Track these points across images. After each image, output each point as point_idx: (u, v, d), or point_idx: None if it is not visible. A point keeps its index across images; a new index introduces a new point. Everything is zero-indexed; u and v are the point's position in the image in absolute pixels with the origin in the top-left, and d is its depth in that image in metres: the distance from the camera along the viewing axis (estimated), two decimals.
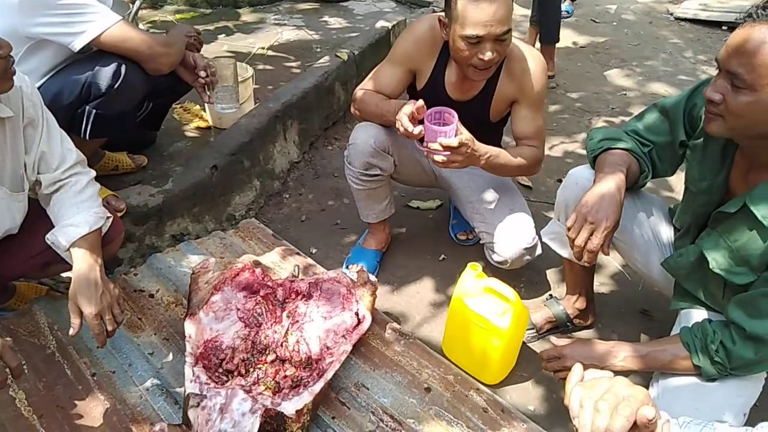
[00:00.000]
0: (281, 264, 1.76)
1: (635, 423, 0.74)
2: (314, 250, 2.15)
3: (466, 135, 1.52)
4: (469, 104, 1.77)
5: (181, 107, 2.57)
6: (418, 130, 1.50)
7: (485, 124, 1.81)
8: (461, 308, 1.56)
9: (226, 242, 1.88)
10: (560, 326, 1.80)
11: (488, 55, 1.51)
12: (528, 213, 1.84)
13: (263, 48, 3.28)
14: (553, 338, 1.43)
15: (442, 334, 1.72)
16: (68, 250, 1.29)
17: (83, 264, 1.26)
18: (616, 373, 1.06)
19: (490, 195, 1.85)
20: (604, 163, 1.36)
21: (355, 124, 1.90)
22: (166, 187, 2.00)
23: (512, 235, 1.76)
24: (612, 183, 1.28)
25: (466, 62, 1.56)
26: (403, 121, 1.51)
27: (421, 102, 1.52)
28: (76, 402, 1.30)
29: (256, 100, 2.60)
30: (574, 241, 1.25)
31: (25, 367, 1.14)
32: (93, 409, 1.29)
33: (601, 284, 2.04)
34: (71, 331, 1.23)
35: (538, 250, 1.80)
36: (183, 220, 2.07)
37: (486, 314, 1.50)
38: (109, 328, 1.25)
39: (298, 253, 1.83)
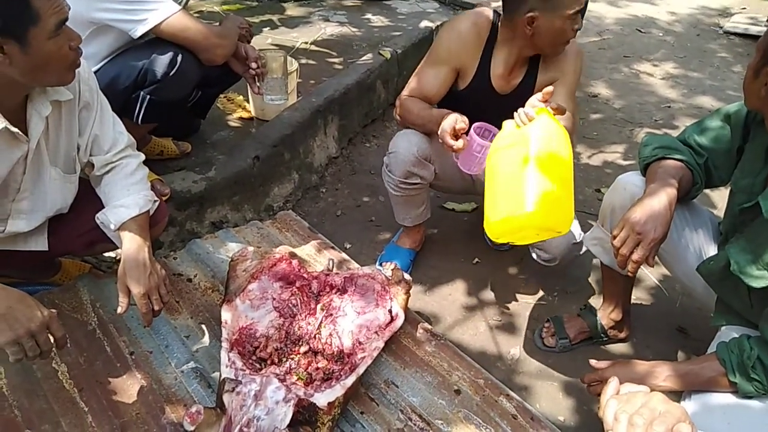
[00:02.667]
0: (316, 257, 1.78)
1: None
2: (348, 245, 2.16)
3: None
4: (512, 95, 1.77)
5: (225, 97, 2.61)
6: (460, 144, 1.54)
7: None
8: (493, 151, 1.45)
9: (263, 232, 1.90)
10: (594, 337, 1.78)
11: (581, 22, 1.62)
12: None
13: (306, 42, 3.31)
14: (593, 361, 1.37)
15: (473, 338, 1.71)
16: (117, 230, 1.32)
17: (132, 245, 1.28)
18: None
19: None
20: (656, 173, 1.33)
21: (394, 122, 1.91)
22: (209, 174, 2.04)
23: None
24: (663, 195, 1.25)
25: (564, 40, 1.65)
26: (446, 139, 1.55)
27: (462, 118, 1.55)
28: (115, 378, 1.33)
29: (298, 94, 2.63)
30: (619, 251, 1.24)
31: (67, 341, 1.17)
32: (130, 387, 1.32)
33: (637, 298, 2.00)
34: (119, 310, 1.26)
35: (584, 247, 1.78)
36: (223, 207, 2.10)
37: (514, 135, 1.38)
38: (156, 308, 1.28)
39: (333, 247, 1.84)
